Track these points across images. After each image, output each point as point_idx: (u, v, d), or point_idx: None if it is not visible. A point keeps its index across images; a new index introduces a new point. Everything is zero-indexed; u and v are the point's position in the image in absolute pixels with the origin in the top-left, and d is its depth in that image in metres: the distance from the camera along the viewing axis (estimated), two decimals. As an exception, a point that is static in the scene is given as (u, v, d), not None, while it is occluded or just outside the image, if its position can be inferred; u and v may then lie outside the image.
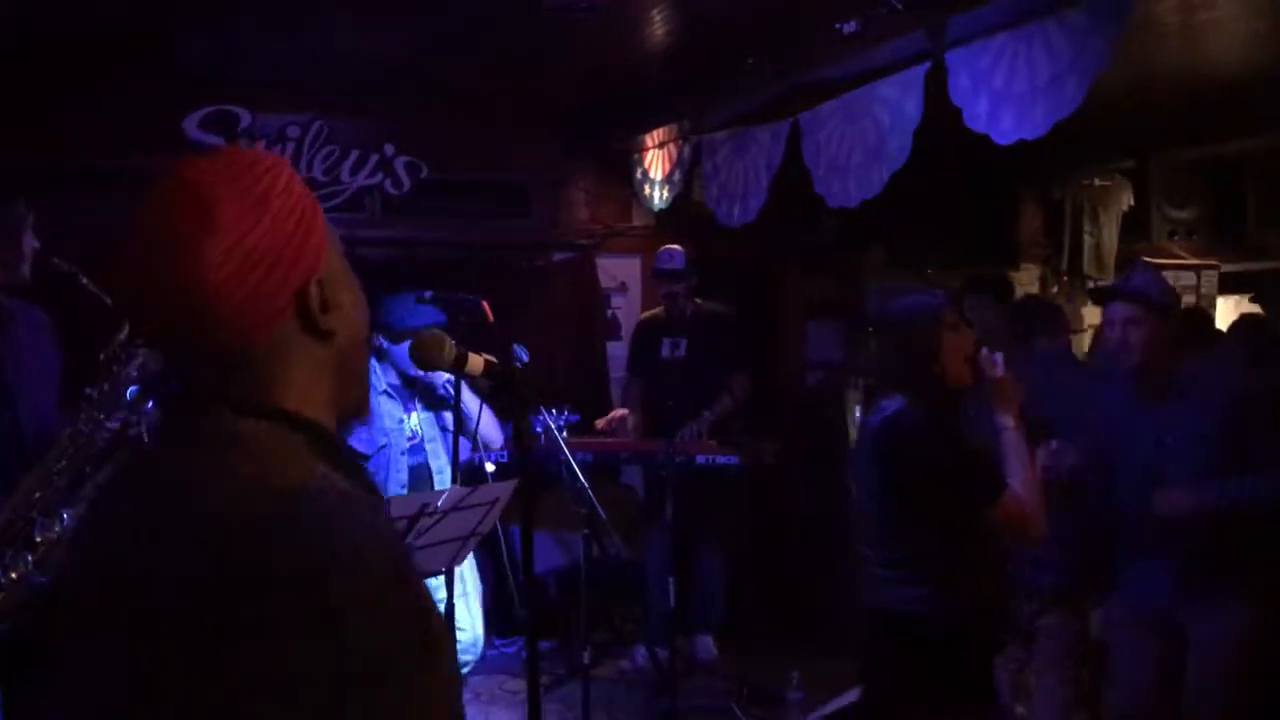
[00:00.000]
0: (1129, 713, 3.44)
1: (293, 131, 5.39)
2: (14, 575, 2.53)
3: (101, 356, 2.74)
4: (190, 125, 5.18)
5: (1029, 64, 3.26)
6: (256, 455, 1.00)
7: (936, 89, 3.67)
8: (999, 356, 2.75)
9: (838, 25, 3.71)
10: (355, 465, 1.12)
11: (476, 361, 1.53)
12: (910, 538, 2.73)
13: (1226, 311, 6.45)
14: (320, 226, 1.07)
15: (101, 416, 2.69)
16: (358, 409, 1.16)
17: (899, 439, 2.68)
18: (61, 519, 2.64)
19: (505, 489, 2.50)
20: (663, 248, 5.17)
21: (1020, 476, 2.64)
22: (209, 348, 1.02)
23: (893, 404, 2.75)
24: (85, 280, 2.81)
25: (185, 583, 0.94)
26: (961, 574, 2.68)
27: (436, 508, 2.39)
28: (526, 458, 1.65)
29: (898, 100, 3.79)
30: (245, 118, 5.27)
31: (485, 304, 3.15)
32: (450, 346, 1.50)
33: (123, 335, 2.73)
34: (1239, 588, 3.10)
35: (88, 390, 2.74)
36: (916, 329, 2.73)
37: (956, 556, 2.68)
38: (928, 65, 3.65)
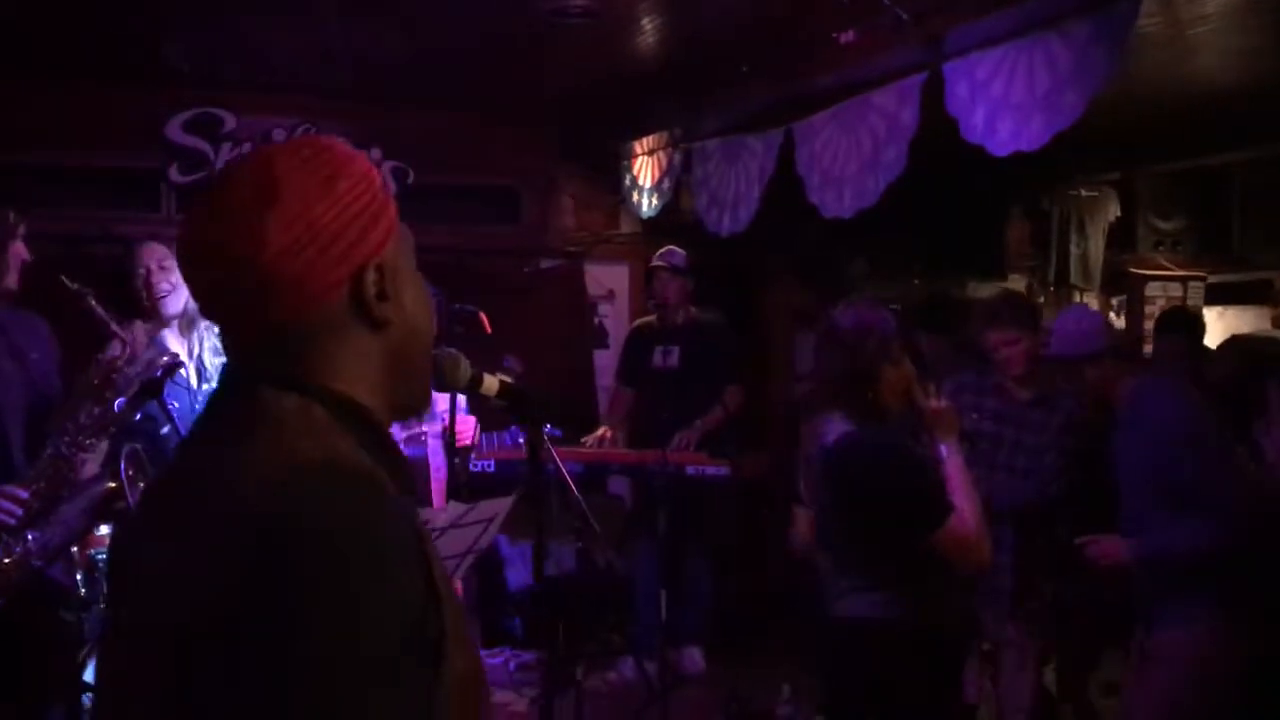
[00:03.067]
0: None
1: (278, 135, 5.30)
2: None
3: (95, 381, 2.69)
4: (173, 128, 5.11)
5: (1028, 75, 3.25)
6: (277, 431, 1.01)
7: (930, 99, 3.66)
8: (932, 386, 2.78)
9: (835, 35, 3.69)
10: (394, 453, 1.11)
11: (491, 382, 1.50)
12: (864, 550, 2.75)
13: (1212, 321, 6.47)
14: (387, 220, 1.09)
15: (88, 441, 2.64)
16: (415, 405, 1.18)
17: (851, 464, 2.69)
18: (26, 540, 2.59)
19: (504, 505, 2.46)
20: (665, 248, 5.14)
21: (969, 503, 2.63)
22: (261, 318, 1.04)
23: (837, 424, 2.74)
24: (93, 302, 2.76)
25: (190, 569, 0.95)
26: (918, 584, 2.67)
27: (435, 525, 2.35)
28: (539, 474, 1.62)
29: (894, 110, 3.77)
30: (230, 121, 5.20)
31: (483, 315, 3.10)
32: (466, 367, 1.46)
33: (119, 358, 2.69)
34: (1190, 602, 3.09)
35: (81, 416, 2.69)
36: (864, 351, 2.71)
37: (912, 567, 2.67)
38: (924, 75, 3.63)
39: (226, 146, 5.20)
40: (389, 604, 0.95)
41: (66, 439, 2.63)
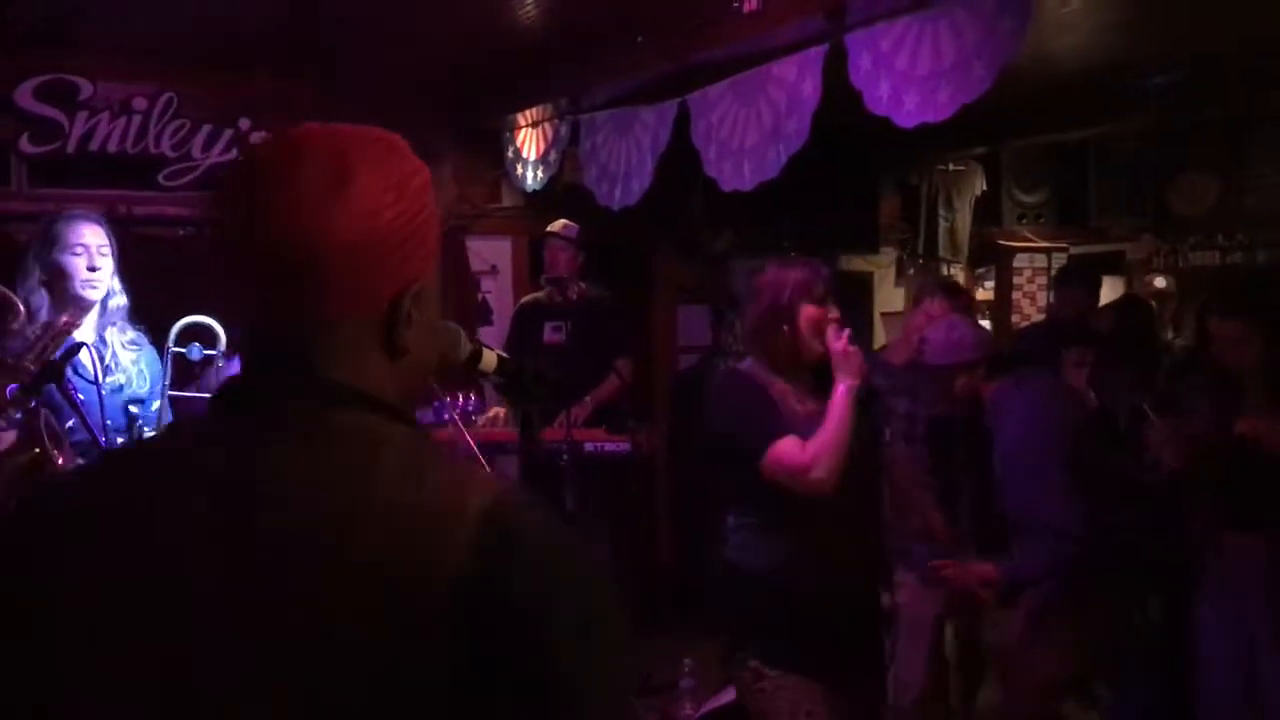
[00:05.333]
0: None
1: (139, 104, 4.99)
2: None
3: None
4: (23, 94, 4.73)
5: (934, 47, 3.28)
6: (427, 458, 0.95)
7: (830, 72, 3.68)
8: (846, 331, 2.85)
9: (737, 4, 3.67)
10: None
11: (490, 358, 1.41)
12: (730, 495, 2.88)
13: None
14: (436, 239, 1.02)
15: None
16: None
17: (706, 396, 2.89)
18: None
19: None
20: (560, 220, 5.16)
21: (825, 434, 2.71)
22: (303, 314, 0.95)
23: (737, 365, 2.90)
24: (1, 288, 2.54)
25: (406, 572, 0.86)
26: (786, 538, 2.76)
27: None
28: (534, 455, 1.55)
29: (795, 81, 3.77)
30: (86, 88, 4.84)
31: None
32: (465, 342, 1.36)
33: (15, 325, 2.49)
34: None
35: None
36: (778, 295, 2.84)
37: (776, 520, 2.77)
38: (826, 46, 3.64)
39: (83, 115, 4.85)
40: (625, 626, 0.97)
41: None
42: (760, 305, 2.88)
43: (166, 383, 3.19)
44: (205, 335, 3.38)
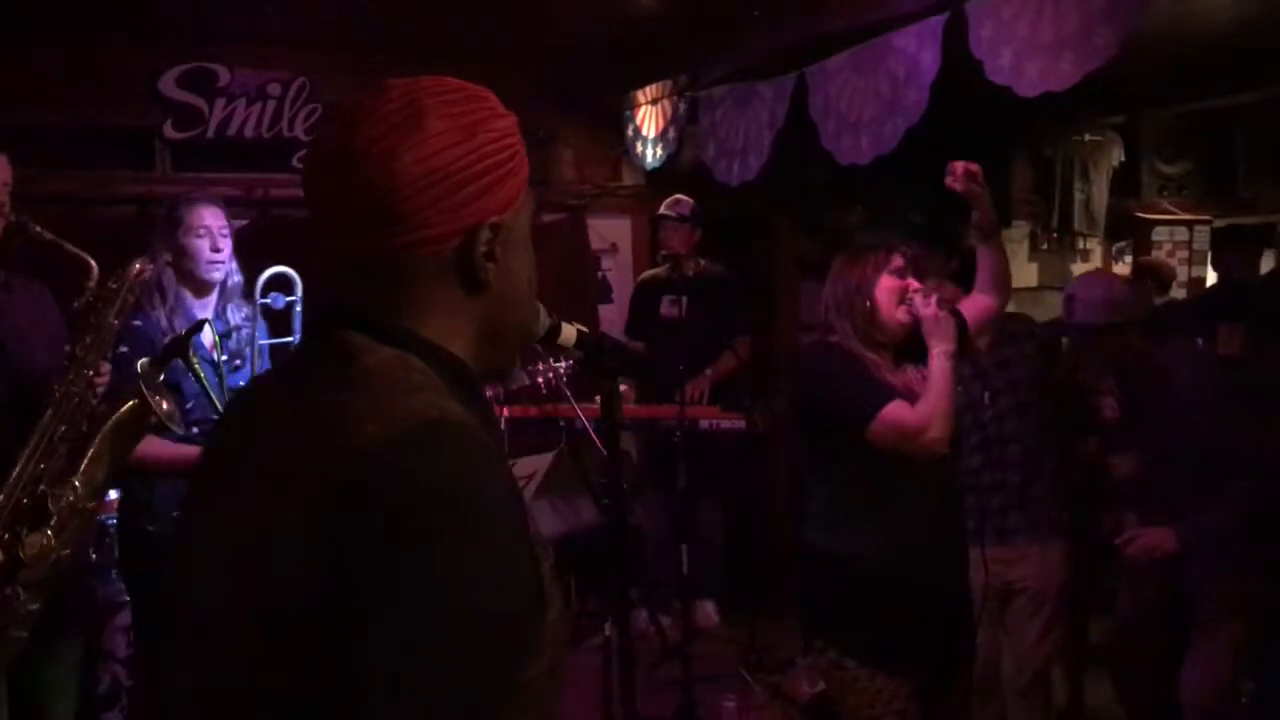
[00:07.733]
0: None
1: (273, 89, 5.17)
2: (35, 550, 2.42)
3: (75, 305, 2.62)
4: (167, 83, 4.97)
5: (1056, 13, 3.17)
6: (379, 383, 0.99)
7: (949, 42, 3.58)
8: (933, 297, 2.79)
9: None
10: (488, 407, 1.12)
11: (570, 331, 1.42)
12: (820, 473, 2.83)
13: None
14: (517, 182, 1.07)
15: (89, 373, 2.57)
16: (500, 371, 1.21)
17: (793, 368, 2.91)
18: (74, 487, 2.53)
19: (543, 462, 2.40)
20: (673, 197, 5.12)
21: (934, 395, 2.67)
22: (367, 245, 1.03)
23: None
24: (70, 247, 2.66)
25: (286, 511, 0.94)
26: (878, 522, 2.69)
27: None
28: (614, 430, 1.56)
29: (914, 52, 3.69)
30: (224, 75, 5.06)
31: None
32: (544, 315, 1.38)
33: (92, 283, 2.61)
34: None
35: (70, 348, 2.62)
36: (852, 269, 2.80)
37: (868, 501, 2.72)
38: (946, 16, 3.55)
39: (221, 102, 5.07)
40: (515, 559, 0.95)
41: (70, 376, 2.56)
42: (837, 285, 2.83)
43: (255, 332, 3.29)
44: (285, 284, 3.46)
